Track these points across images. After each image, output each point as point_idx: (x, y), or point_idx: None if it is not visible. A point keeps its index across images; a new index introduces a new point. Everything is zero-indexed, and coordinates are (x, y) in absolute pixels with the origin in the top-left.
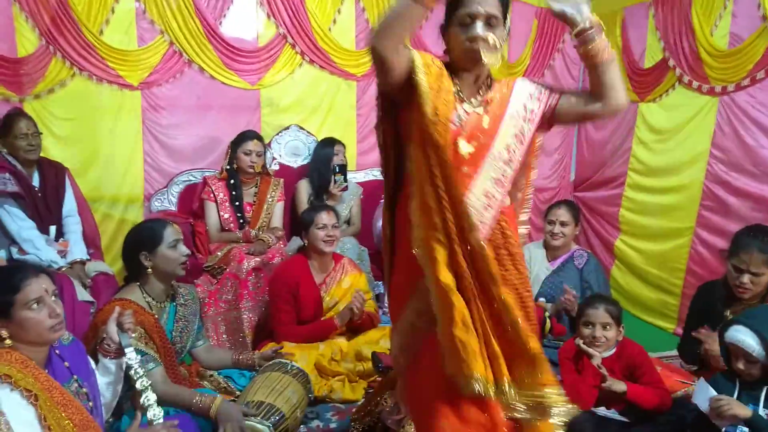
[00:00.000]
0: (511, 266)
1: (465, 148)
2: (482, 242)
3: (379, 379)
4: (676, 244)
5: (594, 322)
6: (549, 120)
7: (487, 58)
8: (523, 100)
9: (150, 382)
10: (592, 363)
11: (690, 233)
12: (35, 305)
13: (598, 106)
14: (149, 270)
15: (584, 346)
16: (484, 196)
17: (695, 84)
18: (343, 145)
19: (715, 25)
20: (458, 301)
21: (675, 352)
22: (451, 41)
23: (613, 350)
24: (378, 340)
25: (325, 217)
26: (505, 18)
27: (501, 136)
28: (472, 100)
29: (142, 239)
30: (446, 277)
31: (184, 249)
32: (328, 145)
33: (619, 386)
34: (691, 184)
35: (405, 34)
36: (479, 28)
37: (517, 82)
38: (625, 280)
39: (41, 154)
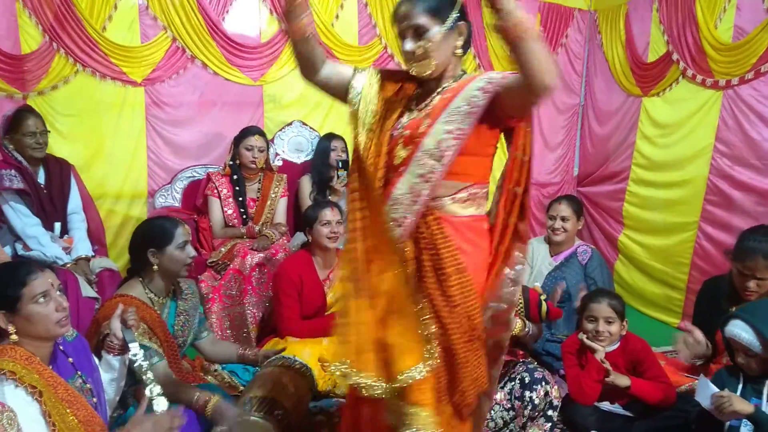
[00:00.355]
0: (430, 272)
1: (401, 153)
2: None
3: None
4: (681, 238)
5: (597, 316)
6: (498, 111)
7: (416, 71)
8: (470, 94)
9: (154, 375)
10: (596, 357)
11: (694, 228)
12: (42, 299)
13: (524, 88)
14: (155, 267)
15: (588, 341)
16: (409, 192)
17: (699, 78)
18: (343, 140)
19: (719, 18)
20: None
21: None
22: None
23: (617, 345)
24: None
25: (329, 214)
26: (440, 13)
27: (432, 134)
28: (422, 105)
29: (152, 236)
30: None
31: (191, 251)
32: (326, 140)
33: (623, 381)
34: (695, 179)
35: (306, 58)
36: (408, 44)
37: (478, 76)
38: (629, 275)
39: (46, 151)
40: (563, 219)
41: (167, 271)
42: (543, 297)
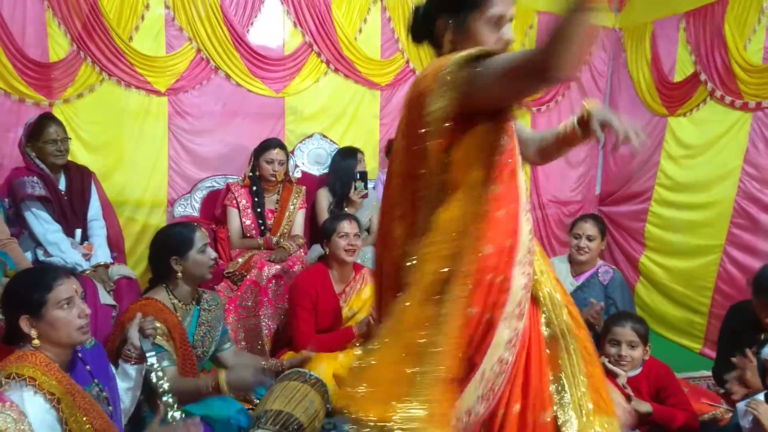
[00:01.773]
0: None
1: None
2: None
3: None
4: (704, 261)
5: (620, 340)
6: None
7: None
8: None
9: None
10: (618, 382)
11: (719, 251)
12: (66, 305)
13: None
14: (179, 274)
15: (610, 365)
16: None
17: (728, 99)
18: (363, 152)
19: (749, 40)
20: None
21: (701, 373)
22: (476, 39)
23: (640, 369)
24: None
25: (347, 226)
26: None
27: None
28: None
29: (172, 244)
30: None
31: (211, 252)
32: (350, 154)
33: (645, 407)
34: (721, 201)
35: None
36: (510, 31)
37: None
38: (651, 297)
39: (68, 158)
40: (589, 238)
41: (192, 275)
42: None
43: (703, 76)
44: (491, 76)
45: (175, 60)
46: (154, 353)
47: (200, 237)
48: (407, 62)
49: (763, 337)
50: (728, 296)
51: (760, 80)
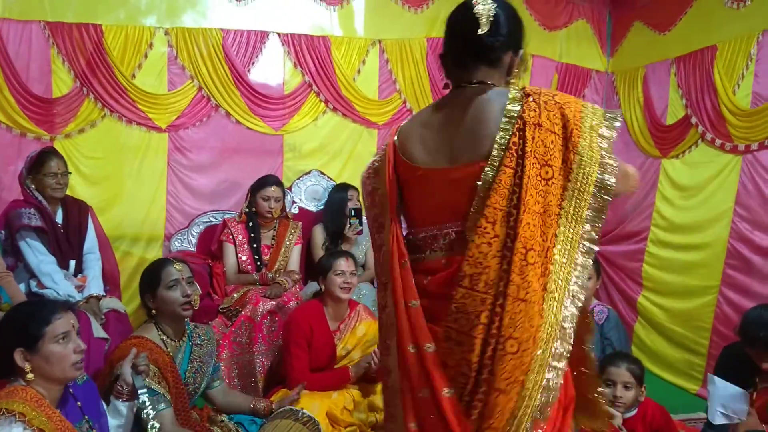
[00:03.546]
0: None
1: None
2: None
3: None
4: (702, 302)
5: (615, 380)
6: None
7: None
8: None
9: (159, 422)
10: (613, 424)
11: (715, 291)
12: (62, 339)
13: None
14: (153, 311)
15: (605, 406)
16: None
17: (718, 142)
18: (357, 189)
19: (738, 84)
20: None
21: (697, 415)
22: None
23: (635, 411)
24: None
25: (343, 264)
26: None
27: None
28: None
29: (144, 281)
30: None
31: (184, 289)
32: (341, 189)
33: None
34: (715, 242)
35: None
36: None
37: None
38: (649, 337)
39: (67, 192)
40: None
41: (165, 313)
42: None
43: (694, 119)
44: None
45: (176, 97)
46: (146, 390)
47: (170, 273)
48: (404, 103)
49: (757, 379)
50: (726, 337)
51: (748, 124)
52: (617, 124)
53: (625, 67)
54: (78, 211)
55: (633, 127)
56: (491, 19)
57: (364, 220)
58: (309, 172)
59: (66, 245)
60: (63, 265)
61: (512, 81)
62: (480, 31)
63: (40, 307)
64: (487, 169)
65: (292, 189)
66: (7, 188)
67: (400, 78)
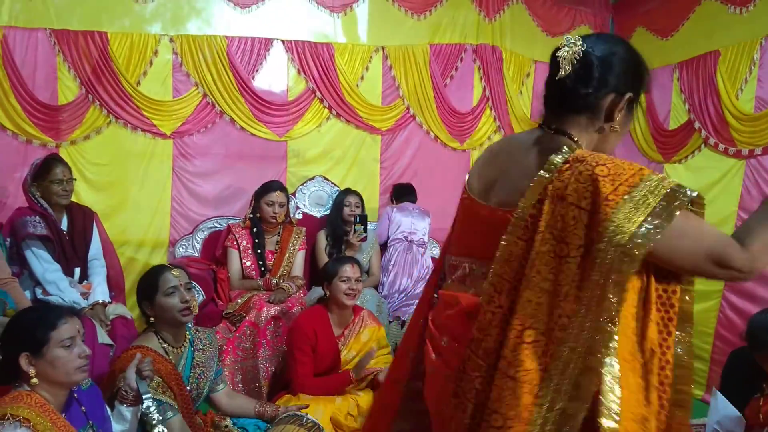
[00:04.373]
0: None
1: None
2: None
3: None
4: (704, 307)
5: None
6: None
7: None
8: None
9: (169, 430)
10: None
11: (718, 297)
12: (68, 344)
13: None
14: (152, 319)
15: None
16: None
17: (721, 146)
18: (359, 195)
19: (741, 89)
20: None
21: (702, 420)
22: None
23: None
24: None
25: (349, 270)
26: None
27: None
28: None
29: (142, 288)
30: None
31: (182, 295)
32: (342, 193)
33: None
34: None
35: None
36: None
37: None
38: None
39: (72, 198)
40: None
41: (164, 320)
42: None
43: (697, 124)
44: (692, 243)
45: (181, 104)
46: (150, 395)
47: (168, 279)
48: (407, 108)
49: (764, 384)
50: (729, 342)
51: (752, 128)
52: (685, 199)
53: None
54: (83, 218)
55: (635, 132)
56: (574, 62)
57: (369, 226)
58: (313, 178)
59: (71, 252)
60: (68, 272)
61: (614, 127)
62: (559, 76)
63: (45, 312)
64: (504, 239)
65: (296, 195)
66: (12, 195)
67: (403, 84)
